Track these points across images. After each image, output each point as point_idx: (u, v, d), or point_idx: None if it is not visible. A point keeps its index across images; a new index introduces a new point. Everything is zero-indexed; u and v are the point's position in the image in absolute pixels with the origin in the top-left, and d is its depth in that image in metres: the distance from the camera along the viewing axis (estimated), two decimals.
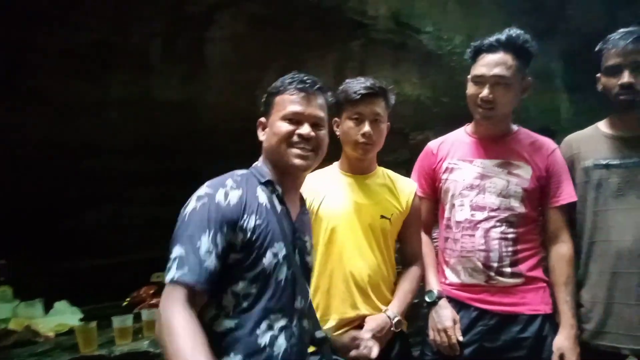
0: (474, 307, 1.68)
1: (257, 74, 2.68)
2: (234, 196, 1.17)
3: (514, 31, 1.67)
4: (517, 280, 1.65)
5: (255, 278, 1.15)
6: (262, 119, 1.34)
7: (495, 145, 1.75)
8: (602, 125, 1.76)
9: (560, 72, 4.38)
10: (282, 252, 1.19)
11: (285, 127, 1.26)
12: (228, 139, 2.72)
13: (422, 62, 3.05)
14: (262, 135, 1.34)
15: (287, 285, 1.19)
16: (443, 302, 1.71)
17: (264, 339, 1.13)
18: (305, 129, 1.25)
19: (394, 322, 1.58)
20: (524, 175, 1.68)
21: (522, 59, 1.65)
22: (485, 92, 1.65)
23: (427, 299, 1.75)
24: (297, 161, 1.25)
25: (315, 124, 1.28)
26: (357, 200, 1.66)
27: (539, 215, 1.73)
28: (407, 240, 1.79)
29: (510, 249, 1.65)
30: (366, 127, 1.62)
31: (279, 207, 1.25)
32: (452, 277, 1.75)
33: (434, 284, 1.77)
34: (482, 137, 1.78)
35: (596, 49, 1.71)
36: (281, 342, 1.16)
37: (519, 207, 1.67)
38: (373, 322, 1.55)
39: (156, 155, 2.68)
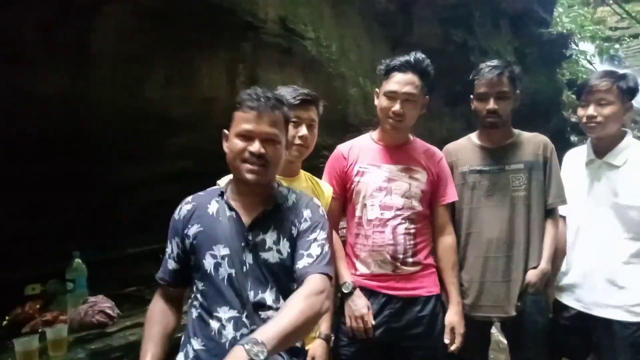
0: (383, 293, 1.93)
1: (145, 70, 2.55)
2: (184, 210, 1.48)
3: (419, 55, 1.95)
4: (417, 268, 1.95)
5: (202, 277, 1.41)
6: (226, 131, 1.46)
7: (399, 152, 2.02)
8: (474, 137, 2.18)
9: None
10: (222, 253, 1.38)
11: (238, 144, 1.39)
12: (112, 140, 2.54)
13: (306, 68, 3.23)
14: (225, 147, 1.45)
15: (230, 281, 1.36)
16: (357, 292, 1.92)
17: (214, 328, 1.36)
18: (255, 147, 1.37)
19: None
20: (421, 179, 1.98)
21: (424, 79, 1.94)
22: (397, 107, 1.90)
23: (343, 290, 1.94)
24: (249, 176, 1.39)
25: (267, 140, 1.39)
26: None
27: (430, 212, 2.06)
28: None
29: (412, 242, 1.94)
30: (303, 130, 1.75)
31: (228, 214, 1.43)
32: (362, 269, 1.97)
33: (347, 276, 1.97)
34: (387, 145, 2.03)
35: (470, 77, 2.11)
36: (228, 331, 1.34)
37: (418, 206, 1.97)
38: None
39: (26, 157, 2.36)
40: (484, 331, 2.12)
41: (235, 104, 1.43)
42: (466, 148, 2.17)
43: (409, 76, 1.92)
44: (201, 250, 1.40)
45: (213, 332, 1.35)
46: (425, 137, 2.16)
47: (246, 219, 1.42)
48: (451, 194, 2.04)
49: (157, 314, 1.47)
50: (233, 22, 2.76)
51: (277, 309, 1.36)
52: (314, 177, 1.97)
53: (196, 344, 1.37)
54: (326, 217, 1.53)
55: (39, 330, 1.77)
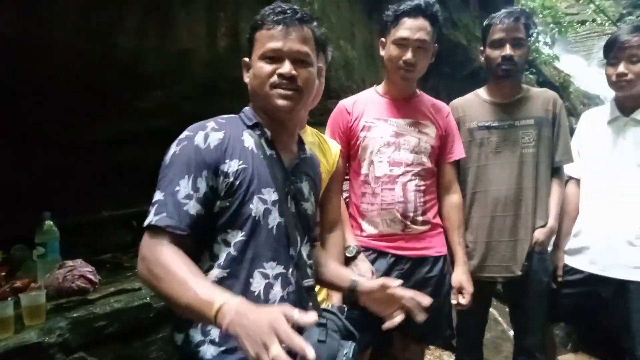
0: (391, 254, 1.85)
1: (114, 16, 2.28)
2: (215, 138, 1.12)
3: (426, 0, 1.83)
4: (426, 227, 1.87)
5: (244, 225, 1.11)
6: (246, 59, 1.24)
7: (406, 105, 1.91)
8: (482, 93, 2.10)
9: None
10: (272, 198, 1.15)
11: (265, 67, 1.16)
12: (74, 94, 2.26)
13: None
14: (246, 77, 1.24)
15: (279, 232, 1.15)
16: (362, 256, 1.83)
17: (258, 287, 1.11)
18: (286, 67, 1.15)
19: None
20: (430, 133, 1.89)
21: (435, 26, 1.83)
22: (409, 55, 1.78)
23: (347, 254, 1.83)
24: (281, 102, 1.16)
25: (299, 60, 1.17)
26: None
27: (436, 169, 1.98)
28: (328, 203, 1.75)
29: (421, 199, 1.86)
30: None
31: (268, 152, 1.19)
32: (369, 229, 1.88)
33: (350, 239, 1.87)
34: (394, 98, 1.92)
35: (484, 23, 2.01)
36: (277, 290, 1.13)
37: (427, 162, 1.88)
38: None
39: None
40: (487, 292, 2.09)
41: (252, 26, 1.20)
42: (474, 103, 2.09)
43: (420, 21, 1.80)
44: (247, 193, 1.12)
45: (257, 293, 1.10)
46: None
47: (287, 162, 1.23)
48: (459, 151, 1.97)
49: (181, 260, 0.99)
50: None
51: (310, 266, 1.24)
52: (320, 133, 1.83)
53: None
54: None
55: (8, 299, 1.54)
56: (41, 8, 2.04)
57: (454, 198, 1.95)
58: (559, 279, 2.07)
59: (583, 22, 11.93)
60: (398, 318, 1.24)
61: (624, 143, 1.98)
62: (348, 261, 1.83)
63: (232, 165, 1.11)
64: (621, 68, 1.92)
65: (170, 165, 1.08)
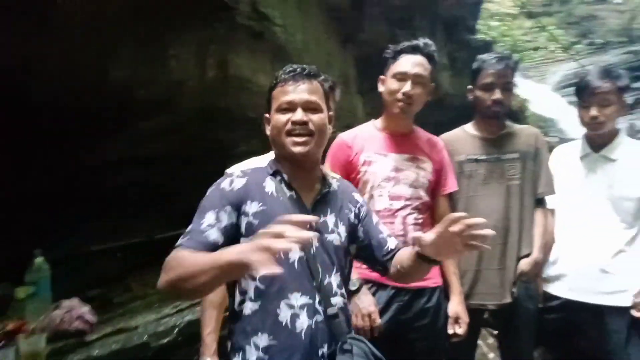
0: (391, 286, 1.88)
1: (110, 45, 2.27)
2: (238, 183, 1.31)
3: (427, 39, 1.93)
4: None
5: None
6: (266, 115, 1.40)
7: (404, 141, 1.98)
8: (469, 128, 2.21)
9: (355, 76, 5.03)
10: None
11: (281, 118, 1.32)
12: (69, 119, 2.23)
13: (275, 55, 3.09)
14: (267, 131, 1.40)
15: (302, 265, 1.26)
16: (364, 289, 1.85)
17: (285, 317, 1.22)
18: (297, 115, 1.30)
19: None
20: (427, 168, 1.96)
21: (432, 63, 1.92)
22: (407, 87, 1.86)
23: (350, 287, 1.85)
24: (296, 149, 1.31)
25: (310, 108, 1.32)
26: None
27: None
28: None
29: (420, 233, 1.91)
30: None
31: (288, 194, 1.33)
32: None
33: (354, 272, 1.88)
34: (392, 133, 1.99)
35: (474, 66, 2.12)
36: (303, 320, 1.23)
37: (425, 196, 1.95)
38: None
39: None
40: (477, 318, 2.14)
41: (269, 88, 1.39)
42: (461, 138, 2.19)
43: (419, 57, 1.90)
44: None
45: (284, 323, 1.21)
46: None
47: (306, 200, 1.35)
48: (452, 184, 2.05)
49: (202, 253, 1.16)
50: (206, 0, 2.56)
51: (341, 295, 1.32)
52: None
53: (262, 340, 1.20)
54: None
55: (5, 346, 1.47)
56: (40, 38, 2.02)
57: None
58: (539, 305, 2.17)
59: (536, 49, 12.58)
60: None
61: (594, 178, 2.12)
62: (351, 294, 1.85)
63: (252, 207, 1.27)
64: (594, 112, 2.05)
65: (200, 206, 1.26)
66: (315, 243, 1.29)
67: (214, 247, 1.18)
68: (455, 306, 1.94)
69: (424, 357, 1.94)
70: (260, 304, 1.22)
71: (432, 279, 1.94)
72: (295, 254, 1.25)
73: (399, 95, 1.88)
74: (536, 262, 2.07)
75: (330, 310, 1.26)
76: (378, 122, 2.04)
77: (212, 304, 1.67)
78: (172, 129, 2.66)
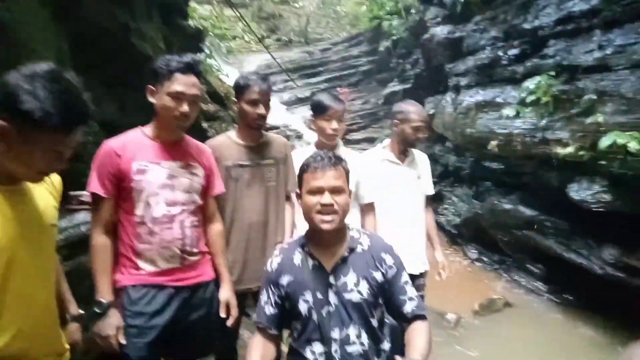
0: (171, 286, 2.01)
1: None
2: (275, 263, 1.80)
3: (192, 57, 2.06)
4: (199, 256, 2.12)
5: (297, 318, 1.72)
6: (297, 191, 1.80)
7: (176, 149, 2.09)
8: (233, 136, 2.50)
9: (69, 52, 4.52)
10: (311, 299, 1.68)
11: (311, 199, 1.68)
12: None
13: None
14: (298, 205, 1.84)
15: (321, 321, 1.66)
16: (112, 311, 1.90)
17: None
18: (325, 199, 1.66)
19: None
20: (199, 174, 2.14)
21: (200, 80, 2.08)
22: (185, 107, 1.98)
23: (97, 309, 1.88)
24: (325, 226, 1.67)
25: (334, 191, 1.67)
26: (24, 218, 1.37)
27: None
28: None
29: (195, 233, 2.09)
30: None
31: (310, 263, 1.72)
32: (147, 267, 1.98)
33: (105, 292, 1.91)
34: (164, 142, 2.06)
35: (238, 81, 2.41)
36: None
37: (198, 200, 2.12)
38: None
39: None
40: (242, 303, 2.47)
41: (300, 171, 1.77)
42: (227, 145, 2.45)
43: (193, 78, 2.01)
44: (294, 297, 1.69)
45: None
46: None
47: (327, 265, 1.70)
48: (219, 186, 2.28)
49: (262, 350, 1.73)
50: None
51: (361, 344, 1.65)
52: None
53: None
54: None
55: None
56: None
57: (217, 226, 2.25)
58: None
59: (235, 38, 13.59)
60: None
61: None
62: (97, 317, 1.88)
63: (284, 279, 1.73)
64: (334, 125, 2.62)
65: None
66: (335, 301, 1.65)
67: (274, 318, 1.76)
68: (226, 293, 2.20)
69: (201, 345, 2.16)
70: (295, 345, 1.73)
71: (208, 272, 2.16)
72: (316, 314, 1.66)
73: (177, 113, 1.97)
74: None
75: (344, 357, 1.63)
76: (148, 130, 2.07)
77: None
78: None
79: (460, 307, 4.55)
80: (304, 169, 1.74)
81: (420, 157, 3.09)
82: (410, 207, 2.92)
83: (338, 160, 1.74)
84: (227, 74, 8.71)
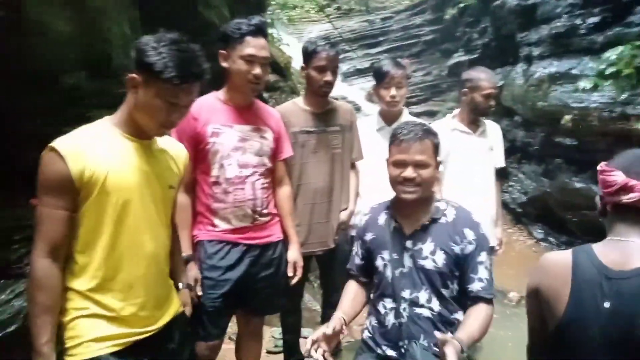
0: (243, 243, 2.10)
1: None
2: (364, 219, 1.98)
3: (260, 19, 2.09)
4: (269, 217, 2.19)
5: (376, 273, 1.84)
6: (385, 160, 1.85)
7: (247, 112, 2.15)
8: (300, 102, 2.52)
9: None
10: (387, 257, 1.78)
11: (395, 171, 1.76)
12: None
13: None
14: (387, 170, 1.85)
15: (393, 279, 1.75)
16: (191, 264, 2.00)
17: (381, 313, 1.80)
18: (407, 172, 1.71)
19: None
20: (269, 137, 2.18)
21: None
22: (257, 70, 2.02)
23: None
24: (405, 196, 1.74)
25: (418, 165, 1.71)
26: (147, 170, 1.53)
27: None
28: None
29: (266, 195, 2.16)
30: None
31: (392, 225, 1.81)
32: (222, 225, 2.07)
33: (185, 246, 1.99)
34: (236, 105, 2.12)
35: (307, 47, 2.41)
36: (390, 318, 1.76)
37: (268, 163, 2.18)
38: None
39: None
40: (306, 265, 2.54)
41: (390, 140, 1.83)
42: (295, 111, 2.48)
43: (262, 41, 2.05)
44: (374, 253, 1.82)
45: (381, 316, 1.78)
46: None
47: (407, 230, 1.77)
48: (288, 150, 2.32)
49: (354, 291, 1.93)
50: None
51: (429, 308, 1.71)
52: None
53: (372, 320, 1.84)
54: (485, 235, 1.82)
55: None
56: None
57: (286, 190, 2.31)
58: None
59: (294, 7, 13.52)
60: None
61: (386, 146, 2.71)
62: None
63: (368, 235, 1.88)
64: (393, 92, 2.60)
65: None
66: (409, 264, 1.74)
67: (362, 267, 1.94)
68: (294, 253, 2.27)
69: (268, 302, 2.26)
70: (375, 297, 1.87)
71: (276, 234, 2.23)
72: (390, 272, 1.77)
73: (250, 77, 2.02)
74: (351, 212, 2.57)
75: (411, 317, 1.71)
76: (221, 95, 2.14)
77: (47, 309, 1.37)
78: None
79: (523, 286, 4.40)
80: (392, 139, 1.81)
81: (493, 128, 2.99)
82: (480, 178, 2.84)
83: (425, 134, 1.75)
84: (288, 43, 8.73)
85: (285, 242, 2.28)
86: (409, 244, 1.76)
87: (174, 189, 1.66)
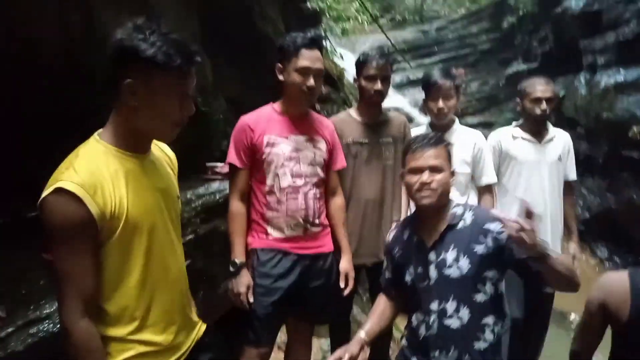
0: (294, 253, 2.13)
1: None
2: (391, 235, 1.97)
3: (316, 32, 2.14)
4: (320, 228, 2.21)
5: (404, 288, 1.84)
6: (403, 170, 1.84)
7: (302, 123, 2.19)
8: (353, 113, 2.53)
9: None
10: (412, 272, 1.79)
11: (412, 178, 1.74)
12: None
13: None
14: (403, 184, 1.91)
15: (420, 293, 1.76)
16: (243, 272, 2.07)
17: (413, 325, 1.82)
18: (424, 177, 1.70)
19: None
20: (322, 148, 2.21)
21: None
22: (311, 81, 2.06)
23: (231, 268, 2.08)
24: (424, 201, 1.73)
25: (433, 170, 1.71)
26: (157, 186, 1.38)
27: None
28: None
29: (318, 205, 2.18)
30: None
31: (414, 239, 1.82)
32: (275, 233, 2.11)
33: (239, 253, 2.08)
34: (291, 116, 2.17)
35: (360, 58, 2.43)
36: (421, 331, 1.76)
37: (321, 173, 2.20)
38: None
39: None
40: (356, 277, 2.54)
41: (405, 149, 1.84)
42: (348, 122, 2.50)
43: (317, 53, 2.10)
44: (402, 268, 1.83)
45: (413, 328, 1.80)
46: None
47: (429, 242, 1.76)
48: (342, 161, 2.34)
49: (382, 306, 1.93)
50: None
51: (458, 318, 1.69)
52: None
53: (407, 331, 1.87)
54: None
55: None
56: None
57: (339, 200, 2.33)
58: None
59: (348, 19, 13.60)
60: None
61: None
62: (231, 276, 2.08)
63: (395, 251, 1.89)
64: (440, 104, 2.54)
65: None
66: (435, 276, 1.71)
67: (392, 282, 1.92)
68: (346, 264, 2.27)
69: (317, 313, 2.28)
70: (407, 311, 1.88)
71: (327, 245, 2.25)
72: (418, 286, 1.76)
73: (304, 88, 2.07)
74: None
75: (440, 328, 1.70)
76: (277, 106, 2.20)
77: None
78: None
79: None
80: (406, 150, 1.81)
81: (562, 137, 2.86)
82: (543, 190, 2.74)
83: (438, 140, 1.78)
84: (342, 56, 8.80)
85: (336, 253, 2.29)
86: (432, 256, 1.74)
87: (179, 198, 1.53)
